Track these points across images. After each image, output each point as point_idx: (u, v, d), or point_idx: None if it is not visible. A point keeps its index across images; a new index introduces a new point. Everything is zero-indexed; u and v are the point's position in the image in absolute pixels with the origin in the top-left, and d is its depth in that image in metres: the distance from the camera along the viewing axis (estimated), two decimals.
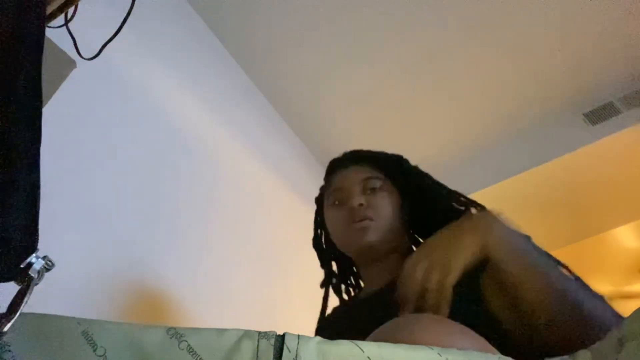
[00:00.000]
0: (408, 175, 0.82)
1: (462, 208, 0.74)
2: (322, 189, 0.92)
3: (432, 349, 0.31)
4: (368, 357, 0.29)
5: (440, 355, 0.30)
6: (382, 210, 0.76)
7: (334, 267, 0.91)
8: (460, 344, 0.36)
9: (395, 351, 0.31)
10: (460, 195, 0.77)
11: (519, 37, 1.92)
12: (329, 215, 0.83)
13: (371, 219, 0.75)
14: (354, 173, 0.81)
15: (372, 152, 0.87)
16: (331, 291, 0.89)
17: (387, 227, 0.76)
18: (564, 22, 1.86)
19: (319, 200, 0.93)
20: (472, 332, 0.40)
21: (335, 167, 0.87)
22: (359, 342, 0.31)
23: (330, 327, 0.82)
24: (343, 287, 0.89)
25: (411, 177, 0.81)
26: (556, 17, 1.84)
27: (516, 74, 2.08)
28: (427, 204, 0.79)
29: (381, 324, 0.59)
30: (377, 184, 0.79)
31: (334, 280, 0.89)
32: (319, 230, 0.93)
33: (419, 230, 0.85)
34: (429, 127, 2.29)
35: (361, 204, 0.76)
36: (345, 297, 0.88)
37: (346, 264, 0.90)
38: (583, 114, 2.18)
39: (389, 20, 1.86)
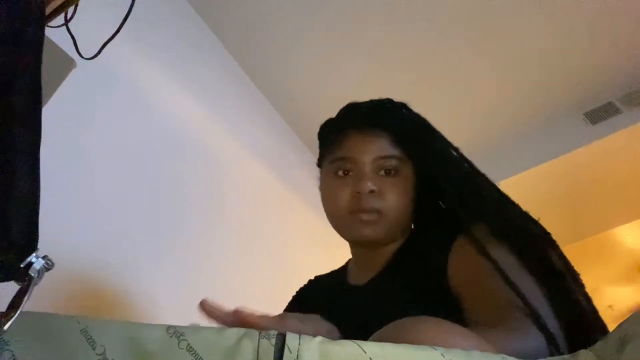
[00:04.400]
0: (434, 157, 0.67)
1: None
2: (324, 139, 0.74)
3: (436, 349, 0.31)
4: (370, 358, 0.29)
5: (444, 356, 0.30)
6: (394, 201, 0.63)
7: None
8: (462, 346, 0.35)
9: (397, 351, 0.30)
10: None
11: (519, 38, 1.92)
12: (327, 184, 0.68)
13: (379, 212, 0.63)
14: (370, 144, 0.65)
15: (395, 117, 0.70)
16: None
17: (395, 222, 0.64)
18: (564, 23, 1.86)
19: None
20: (473, 334, 0.40)
21: (348, 123, 0.70)
22: (362, 342, 0.31)
23: (314, 305, 0.70)
24: None
25: (437, 161, 0.67)
26: (556, 19, 1.84)
27: (516, 74, 2.08)
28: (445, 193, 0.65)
29: (376, 312, 0.57)
30: (394, 164, 0.65)
31: None
32: None
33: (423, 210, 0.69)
34: None
35: (372, 191, 0.62)
36: None
37: None
38: (583, 114, 2.18)
39: (390, 17, 1.86)
